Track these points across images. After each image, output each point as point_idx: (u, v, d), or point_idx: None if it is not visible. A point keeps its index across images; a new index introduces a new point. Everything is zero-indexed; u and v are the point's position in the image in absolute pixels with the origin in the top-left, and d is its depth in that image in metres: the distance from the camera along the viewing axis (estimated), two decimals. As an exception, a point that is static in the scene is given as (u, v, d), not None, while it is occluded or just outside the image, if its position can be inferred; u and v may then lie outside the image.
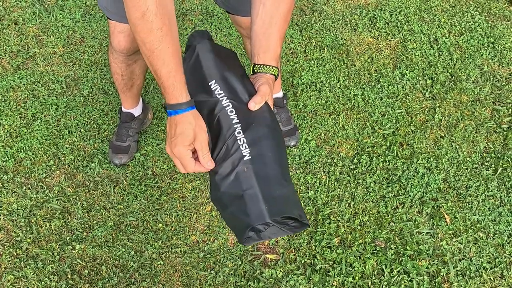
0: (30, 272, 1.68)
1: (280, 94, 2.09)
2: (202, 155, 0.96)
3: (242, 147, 0.93)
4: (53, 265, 1.70)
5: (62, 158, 1.99)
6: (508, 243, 1.82)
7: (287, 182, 0.95)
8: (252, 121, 0.96)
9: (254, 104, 0.97)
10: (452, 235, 1.83)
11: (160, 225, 1.82)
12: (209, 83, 0.99)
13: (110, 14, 1.50)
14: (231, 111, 0.96)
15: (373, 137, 2.12)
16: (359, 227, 1.84)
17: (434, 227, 1.85)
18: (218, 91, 0.98)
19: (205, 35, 1.05)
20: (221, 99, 0.97)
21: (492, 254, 1.79)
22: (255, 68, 1.04)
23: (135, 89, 1.86)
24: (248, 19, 1.63)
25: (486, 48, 2.54)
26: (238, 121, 0.95)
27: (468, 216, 1.89)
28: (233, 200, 0.91)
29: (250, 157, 0.92)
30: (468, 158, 2.07)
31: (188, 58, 1.03)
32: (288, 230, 0.95)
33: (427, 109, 2.25)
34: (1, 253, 1.73)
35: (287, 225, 0.94)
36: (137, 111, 2.00)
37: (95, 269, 1.71)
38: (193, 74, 1.00)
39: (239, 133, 0.94)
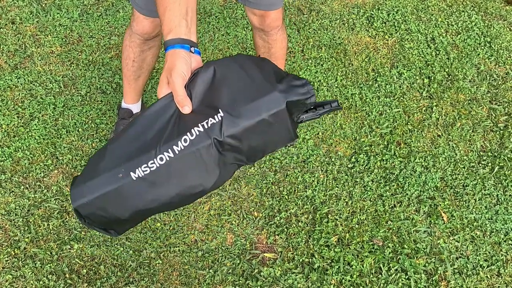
0: (28, 272, 1.68)
1: None
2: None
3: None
4: (51, 264, 1.70)
5: (60, 158, 1.99)
6: (505, 241, 1.83)
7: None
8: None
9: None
10: (449, 234, 1.84)
11: (159, 224, 1.82)
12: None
13: (138, 8, 1.58)
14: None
15: (370, 136, 2.13)
16: (356, 226, 1.84)
17: (432, 225, 1.86)
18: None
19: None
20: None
21: (489, 252, 1.80)
22: None
23: (140, 81, 1.90)
24: (262, 10, 1.66)
25: (482, 48, 2.56)
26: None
27: (465, 215, 1.90)
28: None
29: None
30: (465, 157, 2.08)
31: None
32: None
33: (424, 108, 2.26)
34: (-1, 252, 1.73)
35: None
36: (136, 108, 2.02)
37: (93, 268, 1.71)
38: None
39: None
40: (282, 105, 0.80)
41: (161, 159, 0.79)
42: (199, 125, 0.80)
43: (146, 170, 0.79)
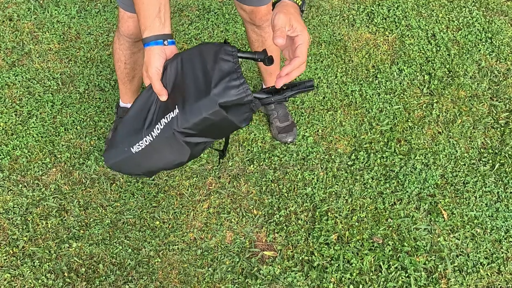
0: (27, 271, 1.67)
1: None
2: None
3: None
4: (50, 263, 1.70)
5: (58, 156, 1.98)
6: (505, 239, 1.82)
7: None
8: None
9: (277, 40, 0.92)
10: (449, 231, 1.84)
11: (157, 222, 1.81)
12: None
13: (123, 5, 1.58)
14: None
15: (370, 133, 2.12)
16: (356, 224, 1.84)
17: (432, 223, 1.85)
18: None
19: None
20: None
21: (489, 250, 1.79)
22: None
23: (136, 82, 1.88)
24: (251, 6, 1.67)
25: (483, 44, 2.54)
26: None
27: (466, 212, 1.89)
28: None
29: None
30: (465, 154, 2.07)
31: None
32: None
33: (424, 105, 2.25)
34: (-2, 251, 1.73)
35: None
36: None
37: (92, 267, 1.70)
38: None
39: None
40: (215, 107, 0.95)
41: (146, 140, 1.05)
42: (165, 117, 1.01)
43: (139, 148, 1.07)
